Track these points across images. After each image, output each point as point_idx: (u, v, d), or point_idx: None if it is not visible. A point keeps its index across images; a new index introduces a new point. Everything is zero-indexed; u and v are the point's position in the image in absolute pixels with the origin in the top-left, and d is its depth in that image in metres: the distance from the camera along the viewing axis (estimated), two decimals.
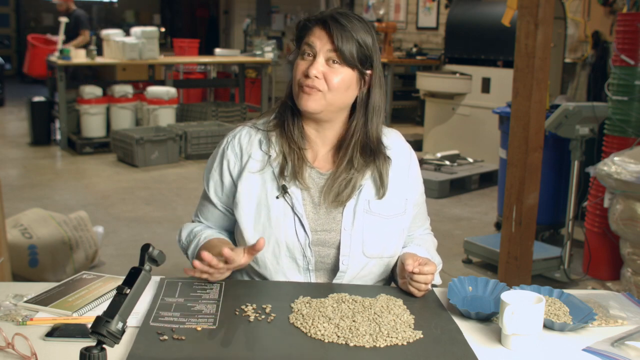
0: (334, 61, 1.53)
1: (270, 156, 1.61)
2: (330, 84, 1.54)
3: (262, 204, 1.59)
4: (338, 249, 1.59)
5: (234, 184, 1.64)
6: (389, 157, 1.64)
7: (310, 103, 1.55)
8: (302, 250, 1.58)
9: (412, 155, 1.71)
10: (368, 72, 1.58)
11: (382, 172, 1.62)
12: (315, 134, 1.64)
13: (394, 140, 1.68)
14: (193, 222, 1.77)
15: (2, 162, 6.71)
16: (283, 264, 1.59)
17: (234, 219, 1.65)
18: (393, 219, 1.63)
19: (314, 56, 1.54)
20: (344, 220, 1.59)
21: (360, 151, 1.60)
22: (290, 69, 1.64)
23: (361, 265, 1.60)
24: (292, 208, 1.58)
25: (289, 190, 1.58)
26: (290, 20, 11.81)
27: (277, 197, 1.58)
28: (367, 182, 1.61)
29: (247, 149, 1.63)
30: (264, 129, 1.64)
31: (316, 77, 1.53)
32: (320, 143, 1.64)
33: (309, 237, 1.57)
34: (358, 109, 1.61)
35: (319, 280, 1.62)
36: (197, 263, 1.45)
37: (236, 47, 11.52)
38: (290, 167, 1.58)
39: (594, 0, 5.87)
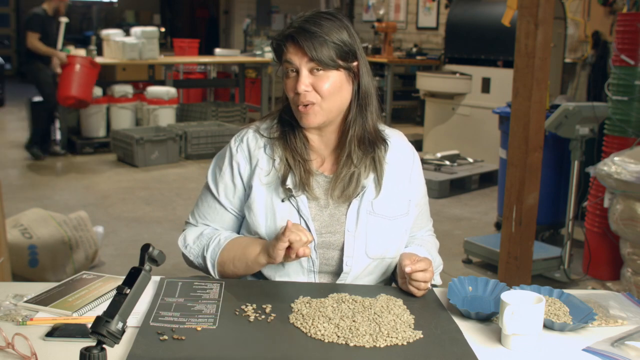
0: (317, 70, 1.53)
1: (274, 160, 1.61)
2: (322, 93, 1.53)
3: (269, 207, 1.59)
4: (341, 250, 1.59)
5: (244, 187, 1.64)
6: (386, 142, 1.64)
7: (311, 119, 1.55)
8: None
9: (415, 157, 1.71)
10: (354, 64, 1.58)
11: (377, 160, 1.62)
12: (318, 139, 1.64)
13: (396, 141, 1.69)
14: (188, 224, 1.74)
15: (2, 162, 6.71)
16: (288, 266, 1.59)
17: (241, 222, 1.66)
18: (396, 220, 1.63)
19: (297, 71, 1.54)
20: (348, 222, 1.59)
21: (357, 144, 1.60)
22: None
23: (364, 266, 1.60)
24: (298, 211, 1.58)
25: (294, 194, 1.58)
26: (290, 20, 11.80)
27: (283, 200, 1.58)
28: (370, 184, 1.61)
29: (255, 152, 1.63)
30: (267, 135, 1.64)
31: (306, 91, 1.53)
32: (324, 147, 1.64)
33: (314, 240, 1.57)
34: (352, 102, 1.60)
35: (322, 282, 1.62)
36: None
37: (236, 47, 11.52)
38: (298, 179, 1.58)
39: (594, 0, 5.87)
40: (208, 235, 1.64)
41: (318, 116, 1.55)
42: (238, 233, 1.69)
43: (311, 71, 1.53)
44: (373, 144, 1.61)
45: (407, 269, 1.47)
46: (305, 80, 1.52)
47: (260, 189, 1.60)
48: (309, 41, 1.51)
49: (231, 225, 1.69)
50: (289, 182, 1.58)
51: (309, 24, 1.53)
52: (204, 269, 1.63)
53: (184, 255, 1.68)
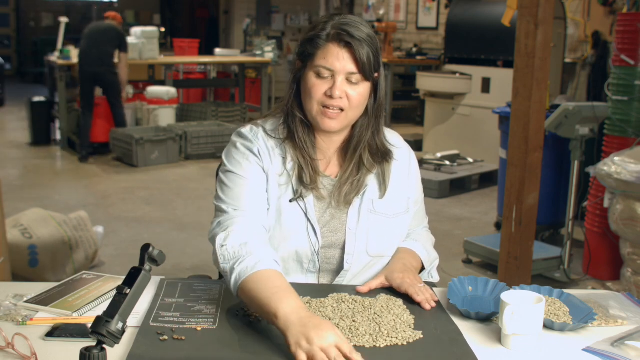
0: (352, 79, 1.51)
1: (285, 159, 1.59)
2: (352, 102, 1.53)
3: (275, 207, 1.57)
4: (343, 249, 1.60)
5: (265, 173, 1.57)
6: (392, 153, 1.65)
7: (334, 124, 1.54)
8: (310, 256, 1.58)
9: (411, 155, 1.72)
10: (376, 75, 1.57)
11: (385, 171, 1.63)
12: (325, 140, 1.63)
13: (393, 141, 1.69)
14: (223, 212, 1.53)
15: (2, 162, 6.71)
16: (289, 267, 1.59)
17: (265, 201, 1.56)
18: (396, 218, 1.64)
19: (333, 76, 1.51)
20: (349, 220, 1.60)
21: (369, 153, 1.61)
22: (290, 76, 1.62)
23: (363, 264, 1.61)
24: (306, 214, 1.57)
25: (303, 194, 1.57)
26: (290, 20, 11.81)
27: (291, 201, 1.57)
28: (371, 183, 1.62)
29: (270, 152, 1.59)
30: (275, 136, 1.60)
31: (340, 97, 1.51)
32: (327, 148, 1.64)
33: (319, 243, 1.57)
34: (369, 112, 1.60)
35: (322, 281, 1.62)
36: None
37: (236, 47, 11.52)
38: (308, 177, 1.57)
39: (594, 0, 5.87)
40: (251, 249, 1.43)
41: (342, 123, 1.55)
42: (261, 215, 1.54)
43: (347, 79, 1.51)
44: (384, 155, 1.62)
45: (418, 299, 1.47)
46: (342, 86, 1.51)
47: (274, 189, 1.58)
48: (361, 50, 1.49)
49: (255, 202, 1.54)
50: (305, 180, 1.57)
51: (354, 29, 1.50)
52: (226, 280, 1.43)
53: (214, 252, 1.47)
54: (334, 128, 1.55)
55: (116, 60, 6.87)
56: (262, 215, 1.53)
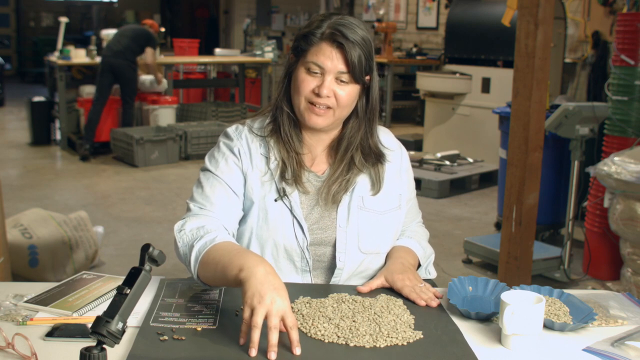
0: (342, 79, 1.53)
1: (268, 159, 1.60)
2: (340, 101, 1.54)
3: (260, 206, 1.58)
4: (334, 246, 1.60)
5: (243, 175, 1.59)
6: (385, 156, 1.65)
7: (320, 121, 1.55)
8: (300, 253, 1.58)
9: (402, 152, 1.73)
10: (367, 78, 1.58)
11: (379, 170, 1.63)
12: (312, 137, 1.64)
13: (384, 138, 1.70)
14: (190, 210, 1.57)
15: (2, 162, 6.71)
16: (282, 266, 1.59)
17: (236, 204, 1.58)
18: (387, 215, 1.64)
19: (322, 74, 1.53)
20: (339, 218, 1.60)
21: (361, 152, 1.61)
22: (283, 70, 1.63)
23: (358, 262, 1.61)
24: (291, 211, 1.58)
25: (287, 192, 1.58)
26: (290, 20, 11.81)
27: (276, 200, 1.58)
28: (361, 179, 1.62)
29: (253, 150, 1.61)
30: (261, 134, 1.62)
31: (327, 96, 1.52)
32: (314, 145, 1.64)
33: (307, 239, 1.58)
34: (360, 114, 1.61)
35: (317, 280, 1.62)
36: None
37: (236, 47, 11.53)
38: (291, 173, 1.58)
39: (594, 0, 5.87)
40: (207, 229, 1.49)
41: (328, 120, 1.56)
42: (230, 216, 1.57)
43: (336, 79, 1.53)
44: (377, 157, 1.63)
45: (422, 304, 1.47)
46: (330, 86, 1.52)
47: (254, 187, 1.59)
48: (349, 50, 1.50)
49: (225, 202, 1.56)
50: (287, 176, 1.57)
51: (349, 30, 1.51)
52: (187, 262, 1.47)
53: (175, 241, 1.52)
54: (319, 125, 1.56)
55: (139, 58, 6.98)
56: (226, 219, 1.55)
